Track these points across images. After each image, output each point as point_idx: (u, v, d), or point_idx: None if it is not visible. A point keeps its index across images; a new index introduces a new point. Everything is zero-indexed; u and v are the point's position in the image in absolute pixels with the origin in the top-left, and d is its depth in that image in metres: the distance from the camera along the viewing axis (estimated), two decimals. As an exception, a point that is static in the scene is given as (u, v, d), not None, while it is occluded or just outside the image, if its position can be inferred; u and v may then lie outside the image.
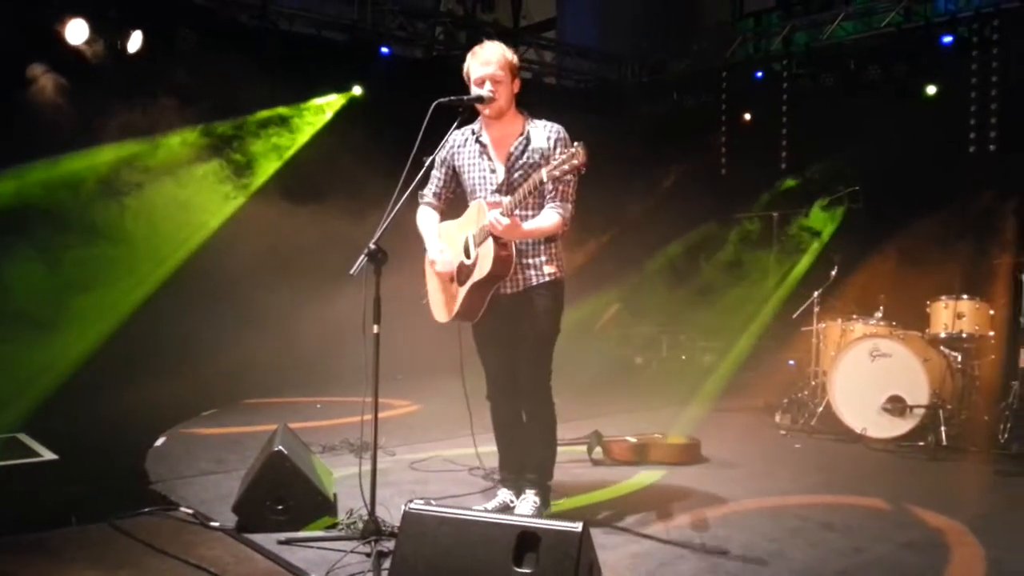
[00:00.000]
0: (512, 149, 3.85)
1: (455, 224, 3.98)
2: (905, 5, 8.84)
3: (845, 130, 8.56)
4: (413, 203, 3.61)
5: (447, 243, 3.95)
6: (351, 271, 3.49)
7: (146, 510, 4.01)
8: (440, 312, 4.04)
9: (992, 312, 6.15)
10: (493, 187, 3.85)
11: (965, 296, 6.15)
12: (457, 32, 10.50)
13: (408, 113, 4.06)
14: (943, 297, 6.23)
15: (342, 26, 9.16)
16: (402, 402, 7.31)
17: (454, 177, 4.01)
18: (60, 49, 6.82)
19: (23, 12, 6.82)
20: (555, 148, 3.79)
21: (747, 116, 10.18)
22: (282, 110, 8.32)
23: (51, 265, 6.78)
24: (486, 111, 3.81)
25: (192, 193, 7.63)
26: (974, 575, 3.46)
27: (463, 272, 3.86)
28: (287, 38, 8.72)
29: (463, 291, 3.85)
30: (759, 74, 10.24)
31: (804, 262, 8.76)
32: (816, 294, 6.79)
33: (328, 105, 8.67)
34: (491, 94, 3.73)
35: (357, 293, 3.58)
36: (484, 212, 3.69)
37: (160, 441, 5.64)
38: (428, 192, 4.04)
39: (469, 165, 3.93)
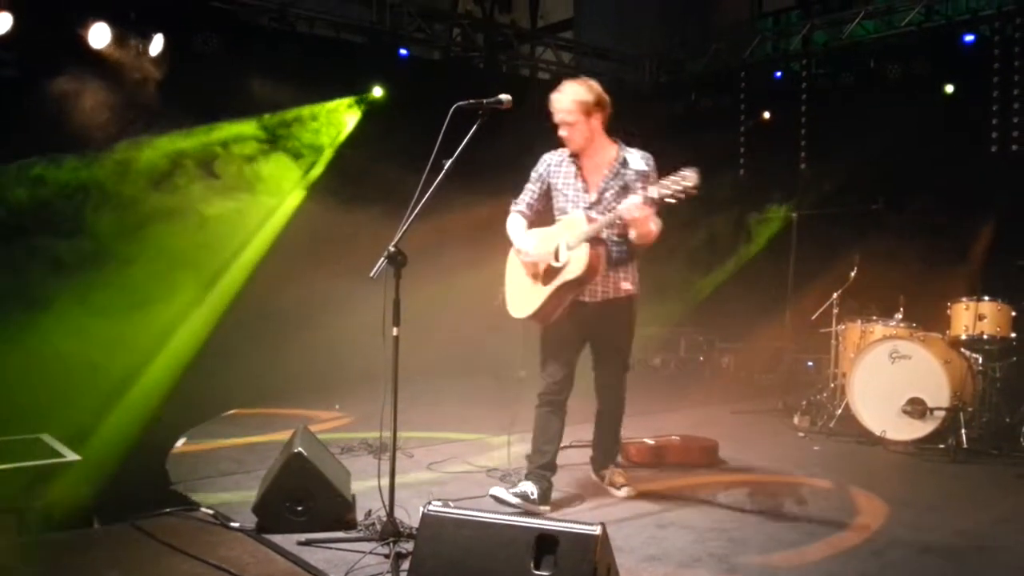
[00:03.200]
0: (606, 171, 4.24)
1: (543, 231, 4.32)
2: (926, 3, 8.76)
3: (865, 130, 8.48)
4: (433, 207, 3.64)
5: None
6: (371, 274, 3.51)
7: (167, 511, 4.05)
8: (518, 308, 4.34)
9: (1014, 314, 6.09)
10: (585, 205, 4.20)
11: (986, 297, 6.10)
12: (474, 33, 10.52)
13: (427, 114, 4.09)
14: (964, 299, 6.18)
15: (361, 28, 9.20)
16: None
17: (547, 193, 4.40)
18: (84, 53, 6.89)
19: (47, 16, 6.91)
20: (654, 170, 4.23)
21: (766, 116, 10.12)
22: (308, 109, 8.37)
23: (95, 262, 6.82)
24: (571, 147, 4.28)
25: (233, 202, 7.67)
26: (995, 580, 3.44)
27: (550, 274, 4.17)
28: (307, 41, 8.78)
29: (547, 291, 4.17)
30: (778, 74, 10.17)
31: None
32: (835, 295, 6.75)
33: (353, 106, 8.71)
34: (566, 125, 4.22)
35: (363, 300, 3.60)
36: (580, 222, 4.12)
37: (181, 442, 5.70)
38: (521, 202, 4.43)
39: (564, 184, 4.32)
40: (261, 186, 7.91)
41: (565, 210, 4.29)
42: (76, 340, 6.00)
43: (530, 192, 4.44)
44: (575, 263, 4.08)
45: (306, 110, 8.35)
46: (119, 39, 7.06)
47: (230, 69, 7.62)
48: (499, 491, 4.27)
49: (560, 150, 4.38)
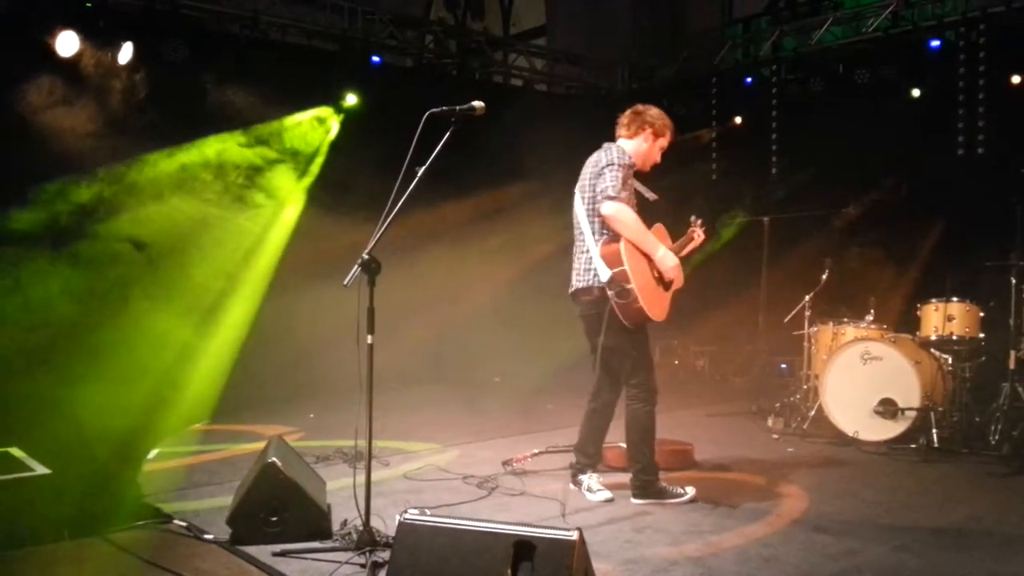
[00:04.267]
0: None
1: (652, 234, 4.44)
2: (893, 10, 8.89)
3: (835, 134, 8.59)
4: (406, 213, 3.63)
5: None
6: (345, 281, 3.50)
7: (139, 523, 4.00)
8: (659, 312, 4.42)
9: (982, 314, 6.19)
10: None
11: (955, 299, 6.18)
12: (447, 40, 10.53)
13: (400, 121, 4.08)
14: (933, 300, 6.27)
15: (333, 36, 9.18)
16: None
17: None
18: (51, 61, 6.81)
19: (15, 25, 6.83)
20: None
21: (737, 121, 10.22)
22: (290, 120, 8.34)
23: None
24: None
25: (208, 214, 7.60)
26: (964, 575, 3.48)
27: (664, 280, 4.46)
28: (279, 48, 8.74)
29: (668, 296, 4.51)
30: (749, 79, 10.28)
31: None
32: (807, 298, 6.82)
33: (332, 115, 8.69)
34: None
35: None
36: (665, 234, 4.56)
37: (153, 454, 5.63)
38: (623, 195, 4.34)
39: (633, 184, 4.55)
40: (252, 202, 7.87)
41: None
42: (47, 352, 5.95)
43: (626, 188, 4.39)
44: (680, 275, 4.53)
45: (289, 121, 8.32)
46: (87, 47, 6.98)
47: (201, 78, 7.57)
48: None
49: (625, 149, 4.49)
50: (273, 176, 8.04)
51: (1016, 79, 7.99)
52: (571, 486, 4.67)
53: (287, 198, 8.20)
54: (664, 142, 4.61)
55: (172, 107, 7.28)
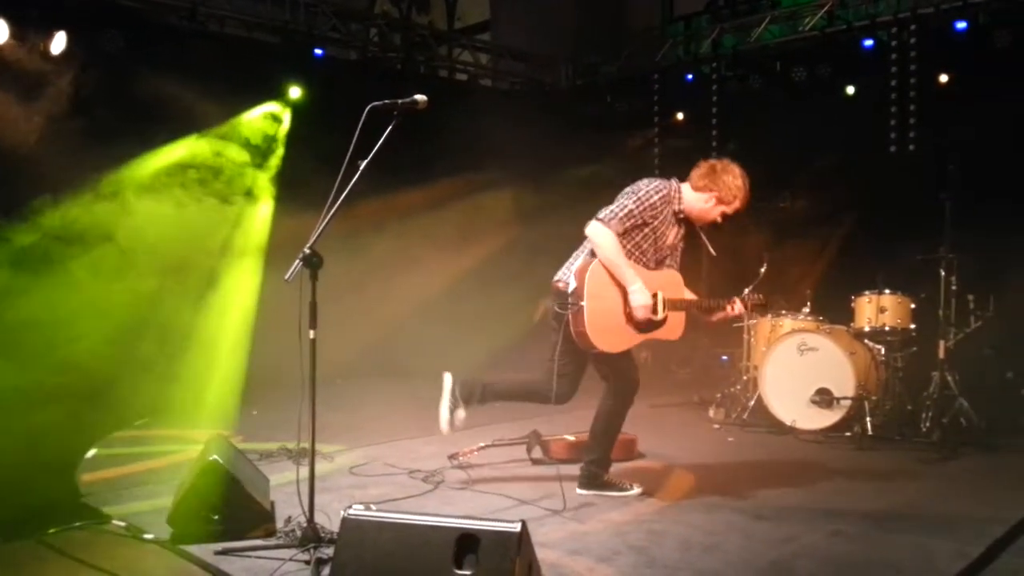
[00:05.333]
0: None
1: (640, 272, 4.34)
2: (829, 9, 9.11)
3: (773, 130, 8.78)
4: (348, 207, 3.60)
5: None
6: (286, 276, 3.46)
7: (76, 524, 3.90)
8: (605, 342, 4.30)
9: (913, 306, 6.39)
10: (667, 254, 4.52)
11: (888, 291, 6.38)
12: (392, 34, 10.46)
13: (343, 115, 4.04)
14: (866, 292, 6.45)
15: (274, 28, 9.04)
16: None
17: (639, 226, 4.34)
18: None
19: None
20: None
21: (679, 117, 10.36)
22: (239, 120, 8.21)
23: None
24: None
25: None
26: (902, 561, 3.59)
27: (645, 323, 4.35)
28: (218, 40, 8.57)
29: (639, 338, 4.40)
30: (690, 76, 10.43)
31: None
32: (746, 291, 6.94)
33: (281, 110, 8.57)
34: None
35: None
36: (680, 284, 4.55)
37: (91, 453, 5.49)
38: (617, 224, 4.26)
39: (661, 225, 4.42)
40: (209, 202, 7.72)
41: (642, 248, 4.37)
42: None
43: (631, 219, 4.29)
44: (674, 327, 4.47)
45: (244, 118, 8.18)
46: (17, 36, 6.75)
47: (138, 70, 7.37)
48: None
49: (666, 188, 4.42)
50: (236, 175, 7.92)
51: (944, 78, 8.25)
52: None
53: (252, 196, 8.10)
54: (729, 209, 4.53)
55: (110, 101, 7.08)
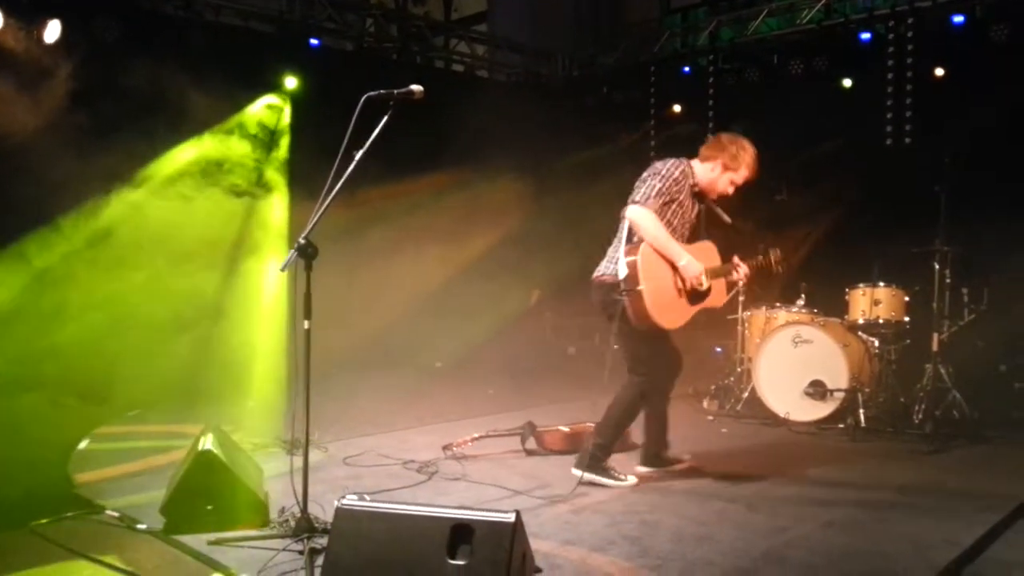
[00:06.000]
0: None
1: (686, 247, 4.48)
2: (826, 2, 9.09)
3: (769, 122, 8.76)
4: (346, 199, 3.60)
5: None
6: (281, 267, 3.46)
7: (69, 514, 3.90)
8: (666, 319, 4.40)
9: (907, 299, 6.40)
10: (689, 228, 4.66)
11: (881, 284, 6.39)
12: (388, 24, 10.42)
13: (340, 106, 4.02)
14: (861, 284, 6.46)
15: (269, 17, 9.00)
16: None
17: (667, 204, 4.46)
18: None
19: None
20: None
21: (676, 109, 10.35)
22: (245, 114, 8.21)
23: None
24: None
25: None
26: (894, 551, 3.61)
27: (695, 295, 4.49)
28: (213, 29, 8.53)
29: (692, 311, 4.53)
30: (686, 69, 10.41)
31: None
32: (741, 283, 6.95)
33: (282, 102, 8.55)
34: None
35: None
36: (715, 252, 4.66)
37: (84, 444, 5.49)
38: (652, 204, 4.38)
39: (686, 200, 4.57)
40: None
41: (673, 224, 4.48)
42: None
43: (662, 197, 4.41)
44: (718, 294, 4.61)
45: (245, 115, 8.17)
46: (10, 24, 6.70)
47: (132, 59, 7.32)
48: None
49: (682, 164, 4.56)
50: (249, 170, 7.93)
51: (940, 72, 8.25)
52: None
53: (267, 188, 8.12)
54: (737, 177, 4.64)
55: (105, 91, 7.01)
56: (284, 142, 8.45)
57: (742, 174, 4.65)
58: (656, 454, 4.85)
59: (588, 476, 4.49)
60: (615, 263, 4.45)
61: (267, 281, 7.82)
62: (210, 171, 7.75)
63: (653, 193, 4.39)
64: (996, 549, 3.64)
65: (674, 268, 4.41)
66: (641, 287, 4.27)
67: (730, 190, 4.69)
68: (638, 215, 4.36)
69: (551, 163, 10.43)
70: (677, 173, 4.48)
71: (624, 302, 4.32)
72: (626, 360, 4.62)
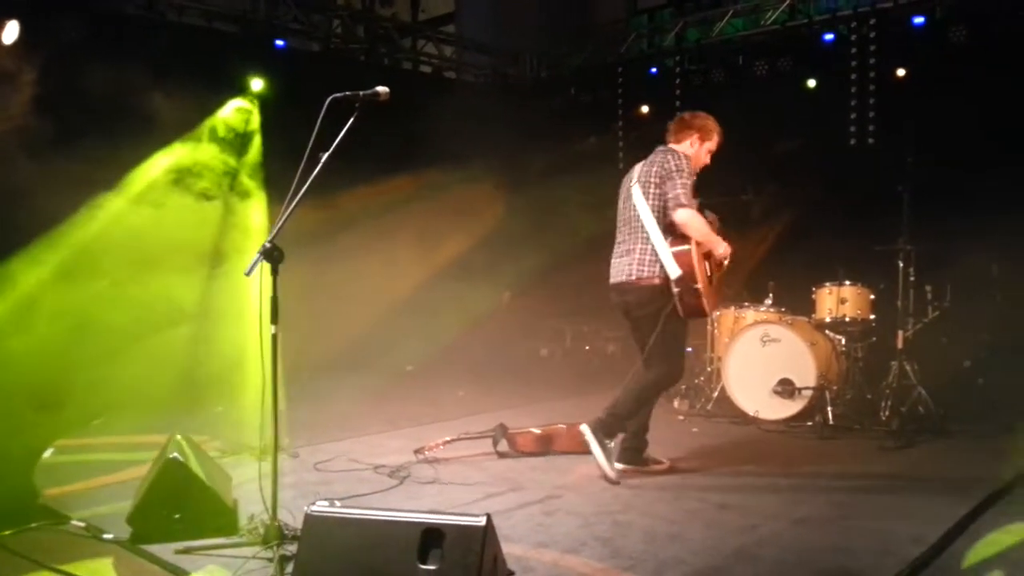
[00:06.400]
0: None
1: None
2: (790, 3, 9.19)
3: (735, 123, 8.82)
4: (313, 202, 3.56)
5: None
6: (246, 271, 3.41)
7: (33, 525, 3.82)
8: (712, 307, 4.77)
9: (872, 297, 6.48)
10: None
11: (848, 282, 6.46)
12: (355, 25, 10.35)
13: (306, 107, 3.99)
14: (827, 283, 6.53)
15: (234, 18, 8.90)
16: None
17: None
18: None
19: None
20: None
21: (643, 110, 10.40)
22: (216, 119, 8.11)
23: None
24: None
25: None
26: (863, 547, 3.65)
27: (713, 269, 4.80)
28: (176, 30, 8.42)
29: (717, 288, 4.87)
30: (653, 70, 10.47)
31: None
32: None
33: (250, 105, 8.45)
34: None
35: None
36: (716, 220, 4.89)
37: (48, 453, 5.38)
38: (691, 200, 4.62)
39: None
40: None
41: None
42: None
43: (690, 187, 4.65)
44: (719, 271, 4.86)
45: (215, 121, 8.07)
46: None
47: (94, 60, 7.19)
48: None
49: (681, 153, 4.76)
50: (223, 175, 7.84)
51: (901, 72, 8.37)
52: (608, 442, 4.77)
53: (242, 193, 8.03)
54: (711, 145, 4.90)
55: (67, 93, 6.88)
56: (256, 144, 8.36)
57: (715, 141, 4.92)
58: (636, 449, 4.90)
59: (589, 437, 4.62)
60: (655, 264, 4.60)
61: (236, 286, 7.72)
62: (180, 177, 7.65)
63: (687, 188, 4.60)
64: (961, 544, 3.69)
65: (706, 256, 4.66)
66: (698, 285, 4.53)
67: (708, 160, 4.92)
68: (688, 216, 4.56)
69: (520, 164, 10.42)
70: (685, 161, 4.67)
71: (676, 299, 4.54)
72: (652, 356, 4.70)
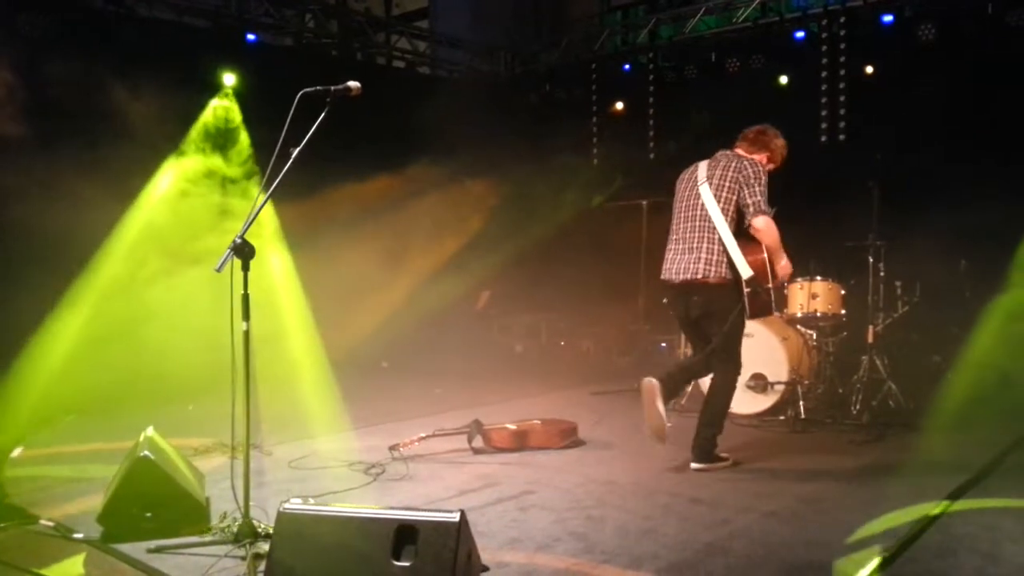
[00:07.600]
0: None
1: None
2: (761, 1, 9.27)
3: (708, 119, 8.91)
4: (282, 195, 3.54)
5: None
6: (216, 267, 3.38)
7: (1, 525, 3.77)
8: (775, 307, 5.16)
9: (843, 292, 6.56)
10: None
11: (819, 277, 6.53)
12: (327, 20, 10.29)
13: (278, 102, 3.95)
14: (799, 279, 6.58)
15: (204, 12, 8.81)
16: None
17: None
18: None
19: None
20: None
21: (618, 106, 10.44)
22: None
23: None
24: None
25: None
26: (833, 540, 3.69)
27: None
28: (146, 25, 8.31)
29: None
30: (627, 66, 10.51)
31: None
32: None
33: (229, 101, 8.38)
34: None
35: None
36: None
37: (17, 451, 5.31)
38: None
39: None
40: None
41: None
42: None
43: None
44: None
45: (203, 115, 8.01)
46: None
47: (61, 56, 7.08)
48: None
49: (757, 159, 4.93)
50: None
51: (870, 69, 8.47)
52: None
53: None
54: (774, 168, 5.02)
55: (32, 91, 6.77)
56: (243, 139, 8.29)
57: (777, 166, 5.09)
58: (672, 391, 5.05)
59: (707, 467, 4.84)
60: (723, 264, 4.73)
61: (212, 283, 7.66)
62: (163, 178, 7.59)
63: (765, 197, 4.76)
64: (931, 535, 3.74)
65: (767, 263, 4.85)
66: (769, 285, 4.79)
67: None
68: (766, 223, 4.73)
69: (495, 161, 10.43)
70: (764, 173, 4.82)
71: (746, 299, 4.74)
72: (719, 352, 4.87)
